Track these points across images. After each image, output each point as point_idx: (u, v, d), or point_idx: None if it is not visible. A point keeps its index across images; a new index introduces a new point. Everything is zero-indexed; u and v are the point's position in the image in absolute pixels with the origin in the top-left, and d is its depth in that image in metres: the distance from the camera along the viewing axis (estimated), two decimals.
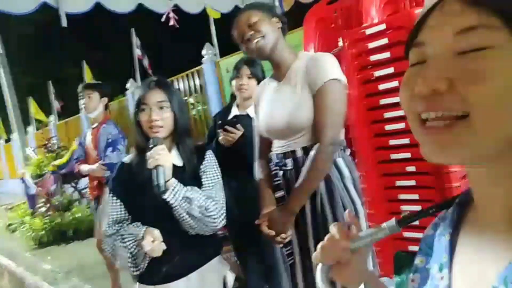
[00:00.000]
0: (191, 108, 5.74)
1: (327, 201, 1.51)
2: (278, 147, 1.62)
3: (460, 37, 0.43)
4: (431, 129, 0.46)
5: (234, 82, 2.27)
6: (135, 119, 1.53)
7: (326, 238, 0.67)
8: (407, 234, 1.94)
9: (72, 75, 13.07)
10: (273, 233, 1.52)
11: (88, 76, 8.03)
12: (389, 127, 1.95)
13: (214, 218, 1.46)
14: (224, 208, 1.53)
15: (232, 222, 2.22)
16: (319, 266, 0.68)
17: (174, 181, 1.42)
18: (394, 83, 1.94)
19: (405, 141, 1.95)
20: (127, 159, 1.63)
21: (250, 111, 2.23)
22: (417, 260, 0.60)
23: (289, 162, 1.56)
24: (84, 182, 6.08)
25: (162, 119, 1.49)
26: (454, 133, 0.44)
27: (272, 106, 1.60)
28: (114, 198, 1.55)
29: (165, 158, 1.40)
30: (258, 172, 1.71)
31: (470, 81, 0.42)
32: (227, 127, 2.08)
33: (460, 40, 0.43)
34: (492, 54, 0.41)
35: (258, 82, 2.21)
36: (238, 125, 2.13)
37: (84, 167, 3.05)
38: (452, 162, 0.47)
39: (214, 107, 5.38)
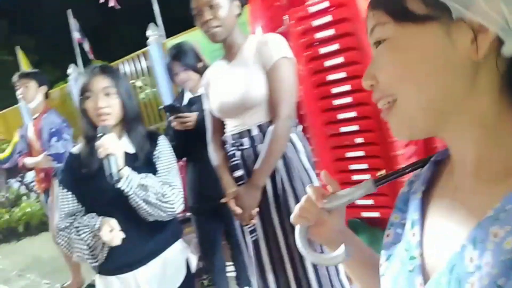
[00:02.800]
0: (139, 92, 5.57)
1: (286, 177, 1.55)
2: (232, 127, 1.62)
3: (371, 35, 0.51)
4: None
5: (175, 79, 2.27)
6: (81, 107, 1.47)
7: (303, 199, 0.68)
8: (359, 201, 2.05)
9: (5, 63, 12.15)
10: (240, 210, 1.54)
11: (24, 63, 7.49)
12: (337, 101, 2.03)
13: (172, 204, 1.45)
14: (182, 192, 1.52)
15: (197, 202, 2.24)
16: (297, 228, 0.69)
17: (127, 169, 1.39)
18: (339, 59, 2.00)
19: (353, 114, 2.03)
20: (75, 149, 1.57)
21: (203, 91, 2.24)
22: (392, 217, 0.61)
23: (246, 141, 1.57)
24: (31, 175, 5.79)
25: (109, 106, 1.44)
26: (390, 115, 0.50)
27: (224, 85, 1.60)
28: (65, 190, 1.50)
29: (115, 146, 1.37)
30: (213, 156, 1.70)
31: (378, 70, 0.50)
32: (180, 114, 2.05)
33: (371, 37, 0.51)
34: (387, 45, 0.49)
35: (194, 70, 2.22)
36: (192, 108, 2.12)
37: (29, 160, 2.90)
38: (406, 138, 0.53)
39: (163, 89, 5.26)
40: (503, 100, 0.45)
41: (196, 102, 2.22)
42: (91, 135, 1.47)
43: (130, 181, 1.39)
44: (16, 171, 5.57)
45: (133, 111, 1.52)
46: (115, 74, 1.50)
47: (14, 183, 6.15)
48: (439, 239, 0.51)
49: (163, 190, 1.44)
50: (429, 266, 0.51)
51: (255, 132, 1.57)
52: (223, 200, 1.60)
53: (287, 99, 1.51)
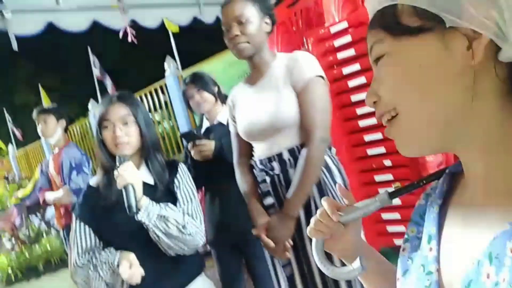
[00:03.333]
0: (157, 125, 5.59)
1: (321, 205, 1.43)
2: (261, 151, 1.52)
3: (371, 54, 0.52)
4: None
5: (191, 103, 2.24)
6: (98, 138, 1.43)
7: (317, 212, 0.68)
8: (392, 228, 1.92)
9: (30, 101, 12.54)
10: (272, 244, 1.41)
11: (45, 100, 7.69)
12: (362, 122, 1.94)
13: (194, 236, 1.37)
14: (203, 224, 1.44)
15: (217, 235, 2.15)
16: (313, 241, 0.69)
17: (146, 200, 1.33)
18: (362, 79, 1.93)
19: (379, 136, 1.94)
20: (93, 181, 1.52)
21: (221, 118, 2.18)
22: (408, 230, 0.61)
23: (276, 166, 1.47)
24: (51, 211, 5.80)
25: (127, 134, 1.40)
26: (393, 131, 0.51)
27: (252, 107, 1.51)
28: (82, 224, 1.44)
29: (134, 176, 1.31)
30: (240, 182, 1.59)
31: (379, 86, 0.51)
32: (197, 142, 2.00)
33: (371, 56, 0.52)
34: (385, 60, 0.50)
35: (209, 92, 2.18)
36: (210, 136, 2.06)
37: (50, 195, 2.88)
38: (413, 153, 0.51)
39: (181, 121, 5.28)
40: (507, 107, 0.45)
41: (213, 131, 2.16)
42: (109, 165, 1.41)
43: (149, 213, 1.31)
44: (36, 208, 5.59)
45: (151, 139, 1.46)
46: (133, 102, 1.46)
47: (35, 220, 6.16)
48: (455, 254, 0.50)
49: (184, 221, 1.36)
50: (446, 281, 0.50)
51: (286, 156, 1.46)
52: (254, 232, 1.47)
53: (320, 120, 1.40)
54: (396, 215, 1.94)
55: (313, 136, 1.39)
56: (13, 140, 9.95)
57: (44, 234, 6.06)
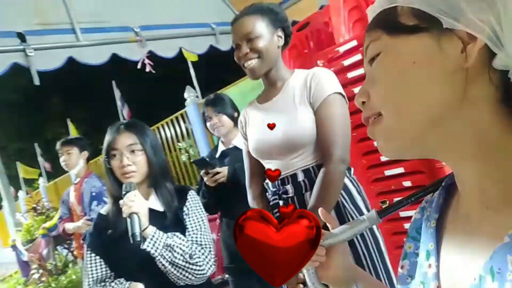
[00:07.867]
0: (182, 154, 5.64)
1: None
2: None
3: (366, 54, 0.52)
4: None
5: (208, 125, 2.26)
6: (106, 166, 1.43)
7: None
8: None
9: (59, 134, 13.02)
10: None
11: (73, 133, 7.95)
12: None
13: (201, 265, 1.33)
14: (213, 252, 1.40)
15: (233, 262, 2.10)
16: (305, 272, 0.68)
17: (152, 228, 1.31)
18: None
19: None
20: (104, 210, 1.52)
21: (237, 142, 2.16)
22: (406, 246, 0.60)
23: (290, 189, 1.38)
24: None
25: (134, 163, 1.40)
26: (376, 129, 0.50)
27: (266, 123, 1.42)
28: (93, 255, 1.43)
29: (139, 204, 1.30)
30: (252, 206, 1.52)
31: (371, 86, 0.50)
32: (210, 171, 1.98)
33: (366, 57, 0.52)
34: (380, 58, 0.49)
35: (228, 115, 2.19)
36: (225, 161, 2.05)
37: (69, 225, 2.92)
38: (395, 153, 0.50)
39: (202, 148, 5.32)
40: (501, 115, 0.44)
41: (229, 155, 2.15)
42: (118, 194, 1.41)
43: (155, 242, 1.29)
44: (63, 238, 5.65)
45: (160, 167, 1.46)
46: (141, 130, 1.46)
47: (63, 250, 6.23)
48: (455, 270, 0.49)
49: (192, 250, 1.34)
50: None
51: (301, 177, 1.36)
52: None
53: (340, 139, 1.31)
54: None
55: (332, 156, 1.29)
56: (43, 173, 10.28)
57: (71, 265, 6.11)
